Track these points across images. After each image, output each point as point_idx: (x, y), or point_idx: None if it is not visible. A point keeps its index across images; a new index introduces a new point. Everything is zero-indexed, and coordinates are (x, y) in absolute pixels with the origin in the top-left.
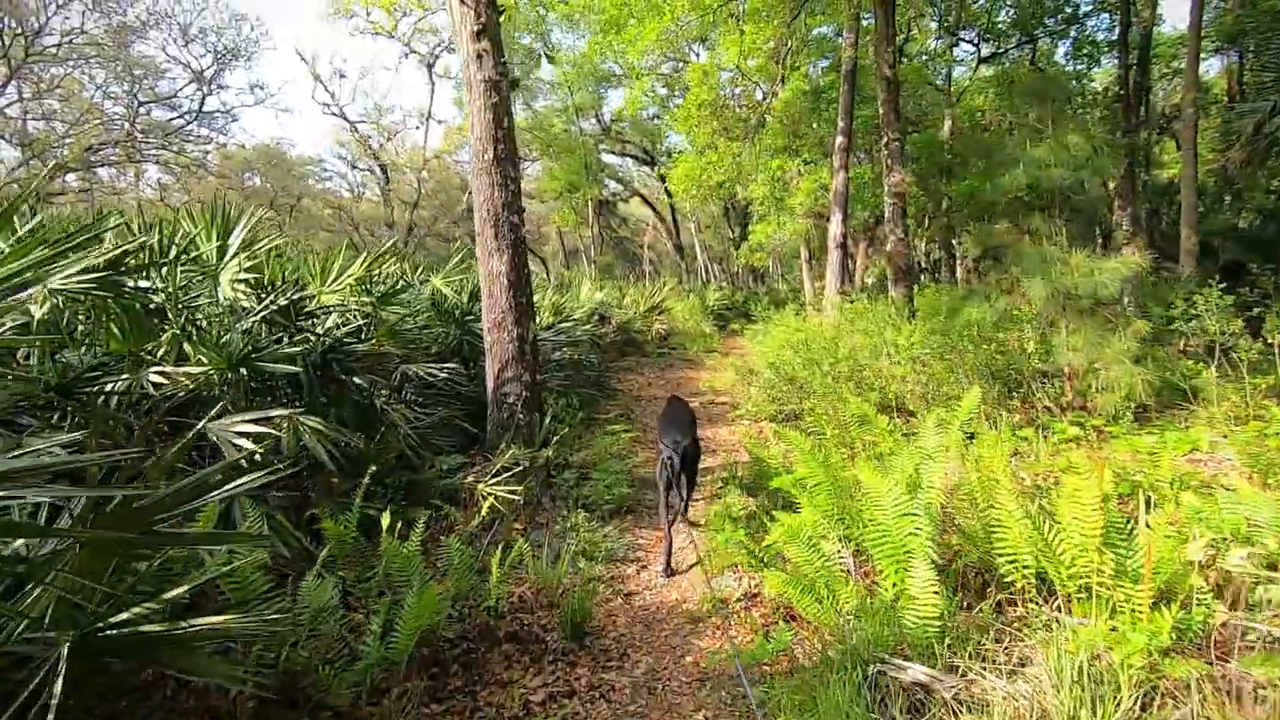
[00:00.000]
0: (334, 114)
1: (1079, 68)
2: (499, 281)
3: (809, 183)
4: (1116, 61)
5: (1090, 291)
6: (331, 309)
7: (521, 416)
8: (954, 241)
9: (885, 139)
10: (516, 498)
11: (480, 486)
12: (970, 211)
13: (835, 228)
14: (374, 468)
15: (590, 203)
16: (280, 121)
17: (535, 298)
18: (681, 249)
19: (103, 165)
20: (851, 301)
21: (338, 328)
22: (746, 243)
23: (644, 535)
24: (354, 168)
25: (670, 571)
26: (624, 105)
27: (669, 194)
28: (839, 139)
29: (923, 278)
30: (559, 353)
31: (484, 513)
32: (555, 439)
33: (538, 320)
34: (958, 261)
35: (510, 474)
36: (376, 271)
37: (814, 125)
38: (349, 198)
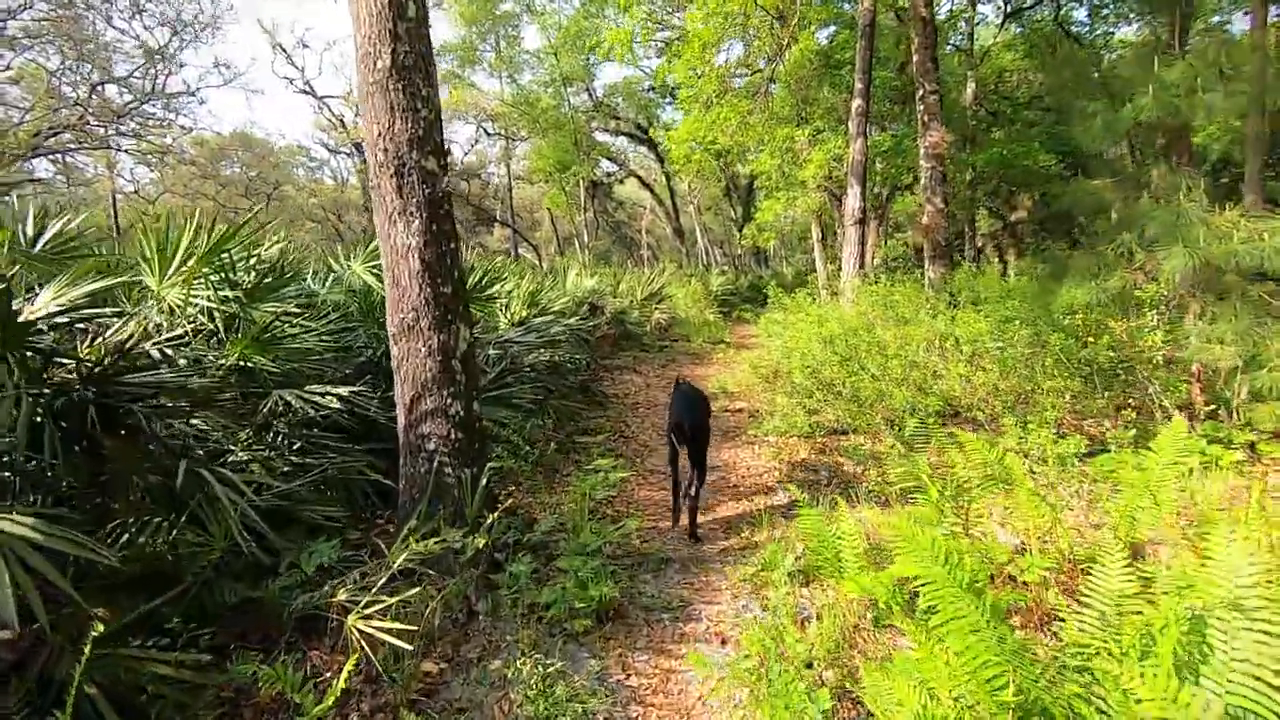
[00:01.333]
0: (302, 91)
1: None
2: (407, 262)
3: (820, 153)
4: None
5: (1256, 263)
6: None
7: (449, 472)
8: (974, 217)
9: (921, 92)
10: (405, 639)
11: (351, 619)
12: (1011, 177)
13: (853, 202)
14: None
15: (582, 184)
16: (252, 105)
17: (508, 287)
18: (681, 232)
19: (55, 153)
20: (875, 283)
21: (127, 344)
22: (753, 221)
23: (642, 667)
24: (334, 153)
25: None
26: (608, 43)
27: (667, 176)
28: (856, 102)
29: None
30: (534, 355)
31: (350, 666)
32: (505, 502)
33: (508, 314)
34: (968, 240)
35: (421, 573)
36: (250, 253)
37: (825, 91)
38: (332, 185)
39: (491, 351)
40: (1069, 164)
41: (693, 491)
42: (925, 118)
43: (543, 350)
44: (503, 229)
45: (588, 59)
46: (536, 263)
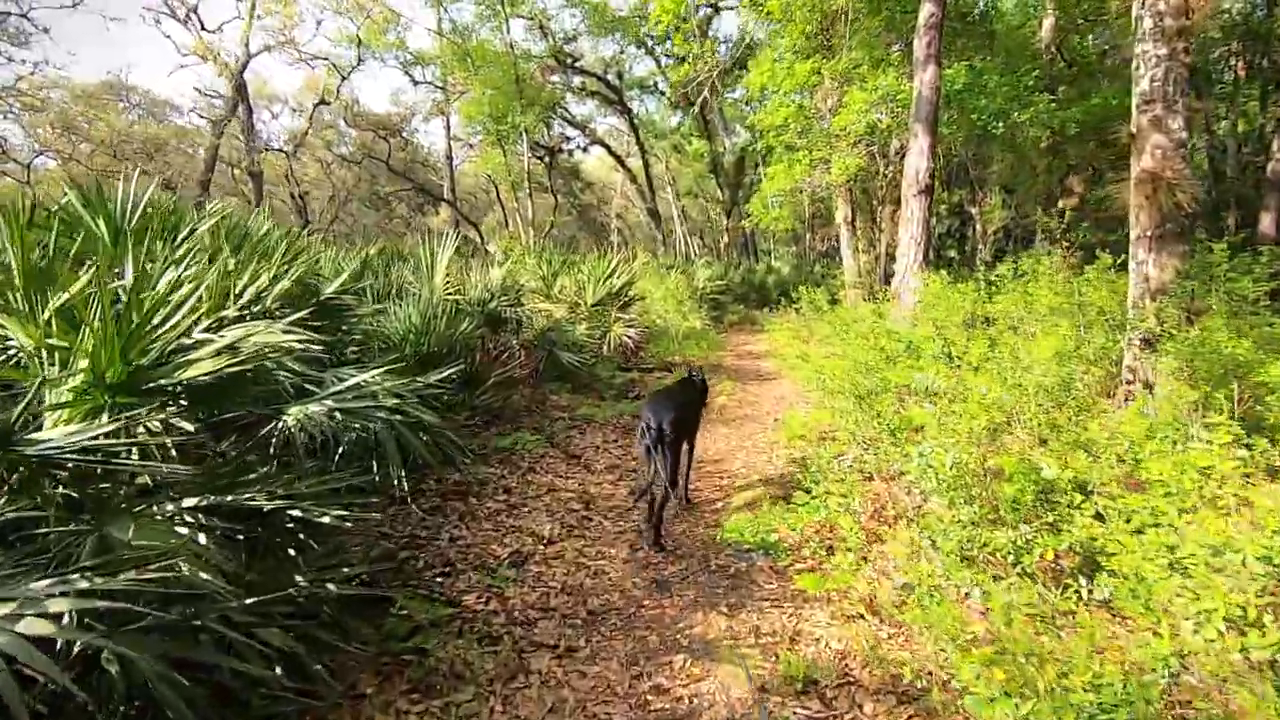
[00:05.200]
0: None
1: None
2: None
3: (861, 95)
4: None
5: None
6: None
7: None
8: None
9: None
10: None
11: None
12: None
13: (917, 161)
14: None
15: (526, 140)
16: (115, 42)
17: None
18: (658, 216)
19: None
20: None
21: None
22: (758, 194)
23: None
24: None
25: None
26: None
27: (642, 148)
28: (926, 9)
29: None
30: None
31: None
32: None
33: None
34: (976, 230)
35: None
36: None
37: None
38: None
39: None
40: None
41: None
42: None
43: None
44: (452, 210)
45: None
46: (479, 248)
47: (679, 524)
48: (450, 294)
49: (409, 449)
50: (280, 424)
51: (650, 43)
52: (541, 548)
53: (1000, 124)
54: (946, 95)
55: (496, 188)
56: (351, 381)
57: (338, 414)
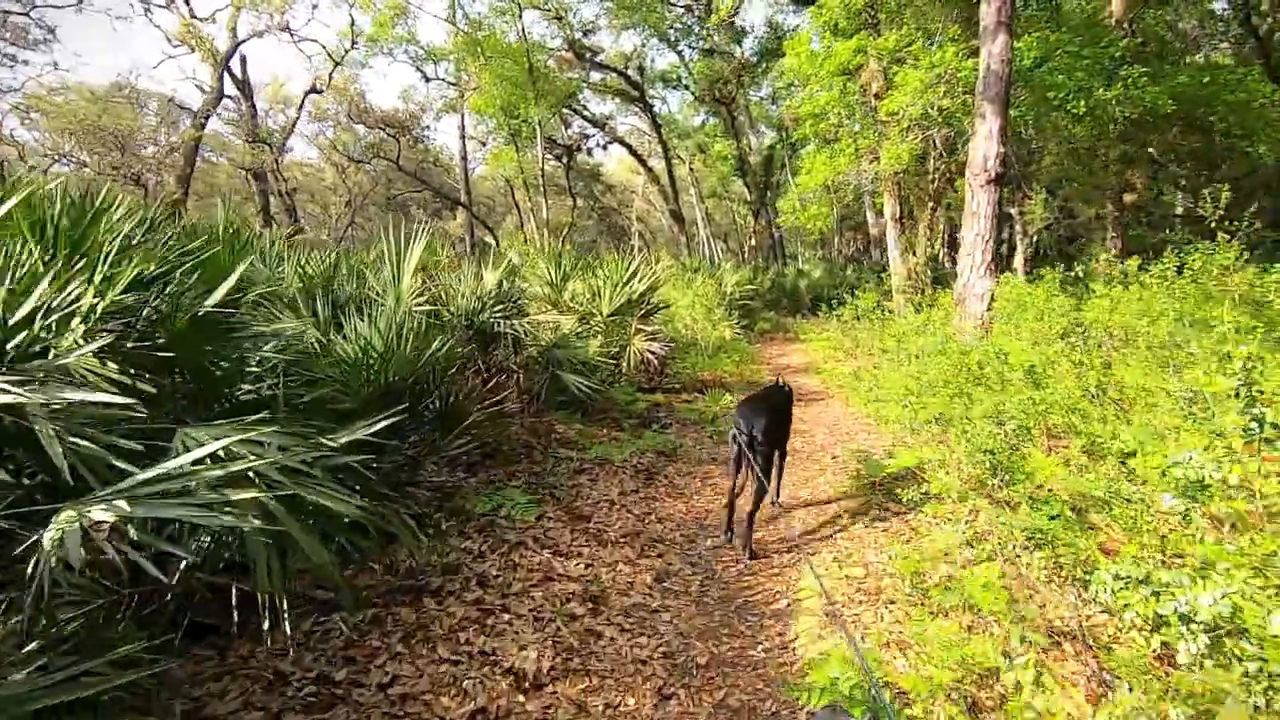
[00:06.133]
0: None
1: None
2: None
3: (916, 75)
4: None
5: None
6: None
7: None
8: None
9: None
10: None
11: None
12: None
13: (986, 146)
14: None
15: (539, 132)
16: (122, 45)
17: None
18: (681, 218)
19: None
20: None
21: None
22: (793, 190)
23: None
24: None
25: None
26: None
27: (664, 146)
28: None
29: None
30: None
31: None
32: None
33: None
34: (1016, 230)
35: None
36: None
37: None
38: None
39: None
40: None
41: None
42: None
43: None
44: (467, 213)
45: None
46: (497, 252)
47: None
48: (423, 304)
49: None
50: (33, 548)
51: (674, 35)
52: (520, 699)
53: (1082, 101)
54: (1015, 72)
55: (512, 189)
56: (192, 455)
57: (150, 518)
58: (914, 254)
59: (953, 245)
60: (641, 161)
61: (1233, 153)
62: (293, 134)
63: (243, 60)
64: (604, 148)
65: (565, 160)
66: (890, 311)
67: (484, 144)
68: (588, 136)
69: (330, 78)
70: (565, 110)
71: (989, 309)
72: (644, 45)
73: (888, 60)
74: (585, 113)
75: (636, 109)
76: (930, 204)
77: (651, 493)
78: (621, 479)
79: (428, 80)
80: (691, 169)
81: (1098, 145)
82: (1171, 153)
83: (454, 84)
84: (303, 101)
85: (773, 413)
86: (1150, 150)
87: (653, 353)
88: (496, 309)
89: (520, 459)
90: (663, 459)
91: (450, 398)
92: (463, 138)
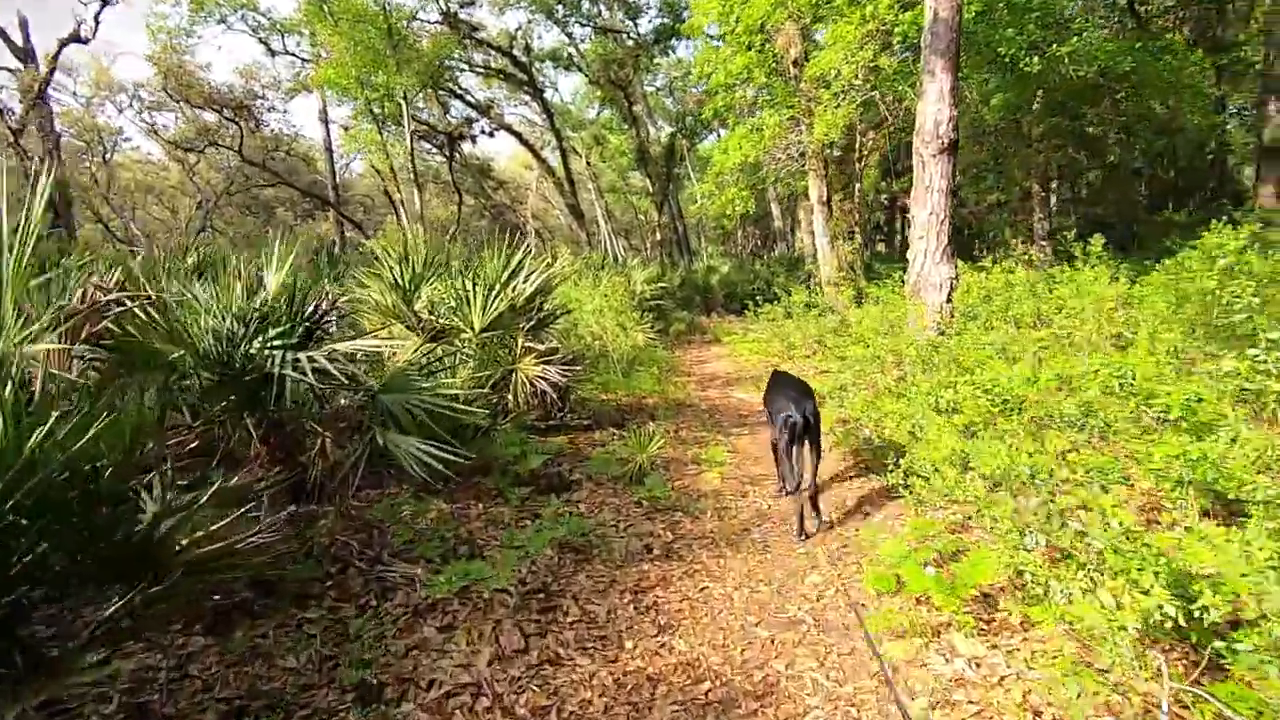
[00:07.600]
0: None
1: None
2: None
3: (848, 29)
4: None
5: None
6: None
7: None
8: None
9: None
10: None
11: None
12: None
13: (936, 109)
14: None
15: (405, 107)
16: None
17: None
18: (580, 213)
19: None
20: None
21: None
22: (710, 173)
23: None
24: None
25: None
26: None
27: (558, 134)
28: None
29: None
30: None
31: None
32: None
33: None
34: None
35: None
36: None
37: None
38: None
39: None
40: None
41: (812, 484)
42: None
43: None
44: (335, 211)
45: None
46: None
47: None
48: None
49: None
50: None
51: (562, 11)
52: None
53: (1036, 58)
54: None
55: (383, 180)
56: None
57: None
58: (843, 240)
59: (877, 230)
60: (535, 153)
61: (1162, 122)
62: (46, 95)
63: (24, 23)
64: (490, 134)
65: (448, 152)
66: (821, 308)
67: (346, 129)
68: (472, 122)
69: (96, 22)
70: (443, 93)
71: (949, 299)
72: (529, 23)
73: (809, 17)
74: (469, 98)
75: (525, 94)
76: (857, 184)
77: (550, 650)
78: (497, 626)
79: (273, 54)
80: (589, 163)
81: (1022, 118)
82: (1105, 125)
83: (309, 60)
84: (57, 53)
85: (812, 394)
86: (1081, 122)
87: (548, 380)
88: (273, 344)
89: (310, 603)
90: (569, 561)
91: (118, 521)
92: (325, 122)
